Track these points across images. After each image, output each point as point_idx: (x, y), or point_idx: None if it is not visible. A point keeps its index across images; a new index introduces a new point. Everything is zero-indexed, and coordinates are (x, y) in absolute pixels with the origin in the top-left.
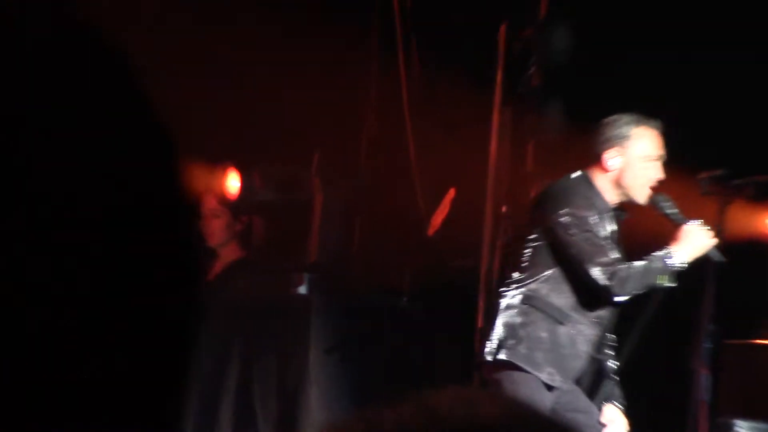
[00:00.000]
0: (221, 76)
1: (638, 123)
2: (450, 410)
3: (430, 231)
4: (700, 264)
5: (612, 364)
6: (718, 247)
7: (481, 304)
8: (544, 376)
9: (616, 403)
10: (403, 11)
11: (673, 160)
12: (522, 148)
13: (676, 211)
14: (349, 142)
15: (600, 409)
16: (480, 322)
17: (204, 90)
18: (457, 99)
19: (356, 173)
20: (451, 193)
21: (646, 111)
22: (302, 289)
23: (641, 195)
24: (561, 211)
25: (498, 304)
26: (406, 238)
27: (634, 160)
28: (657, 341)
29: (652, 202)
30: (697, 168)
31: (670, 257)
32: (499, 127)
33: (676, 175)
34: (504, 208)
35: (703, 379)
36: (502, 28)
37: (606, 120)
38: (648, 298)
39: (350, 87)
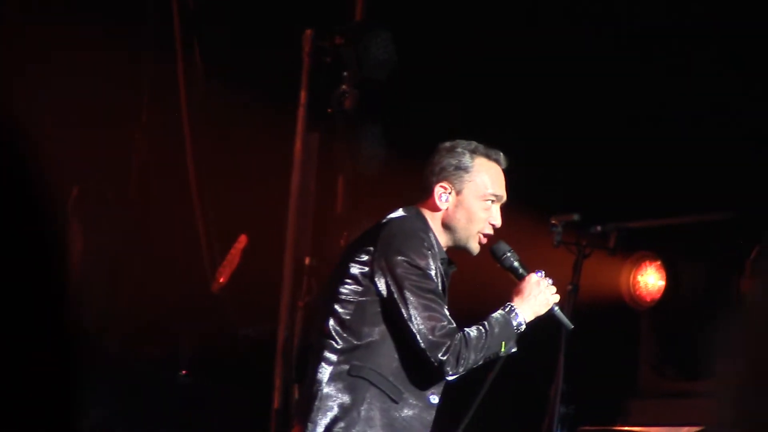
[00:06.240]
0: None
1: (481, 153)
2: None
3: (215, 287)
4: (544, 328)
5: None
6: (566, 308)
7: (278, 381)
8: None
9: None
10: (183, 12)
11: (516, 202)
12: (331, 184)
13: (518, 262)
14: (117, 172)
15: None
16: (276, 402)
17: None
18: (251, 121)
19: (125, 213)
20: (242, 239)
21: (483, 139)
22: None
23: (474, 243)
24: (395, 259)
25: (313, 377)
26: (185, 296)
27: (470, 198)
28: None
29: (495, 252)
30: (547, 213)
31: (516, 316)
32: (302, 157)
33: (520, 221)
34: (307, 260)
35: None
36: (307, 35)
37: (443, 145)
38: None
39: (117, 100)
